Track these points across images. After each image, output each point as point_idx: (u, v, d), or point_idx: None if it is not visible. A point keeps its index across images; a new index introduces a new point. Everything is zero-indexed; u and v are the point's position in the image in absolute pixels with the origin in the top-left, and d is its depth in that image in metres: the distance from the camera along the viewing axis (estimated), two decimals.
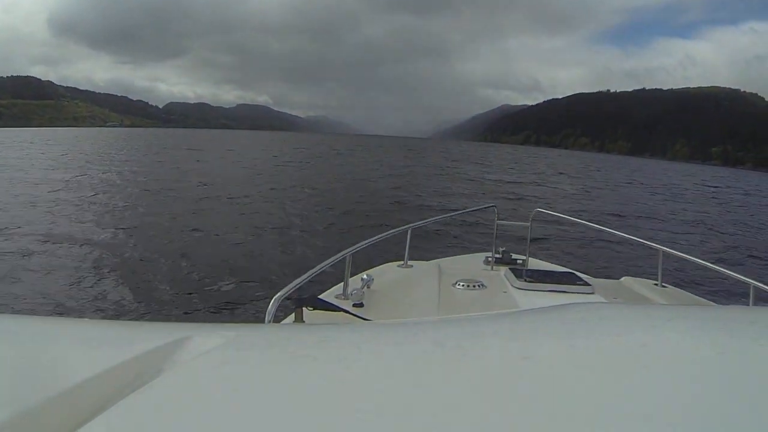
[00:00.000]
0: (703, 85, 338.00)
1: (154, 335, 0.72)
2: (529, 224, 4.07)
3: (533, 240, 4.15)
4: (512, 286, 2.95)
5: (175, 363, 0.61)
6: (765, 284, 2.76)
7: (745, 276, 2.90)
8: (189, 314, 6.57)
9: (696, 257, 3.45)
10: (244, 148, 61.96)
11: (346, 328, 0.87)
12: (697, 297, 3.60)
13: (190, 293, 7.41)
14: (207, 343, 0.66)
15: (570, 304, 0.88)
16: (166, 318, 6.29)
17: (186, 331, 0.71)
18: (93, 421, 0.49)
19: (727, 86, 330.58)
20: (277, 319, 1.88)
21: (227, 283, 7.90)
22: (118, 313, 6.56)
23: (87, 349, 0.70)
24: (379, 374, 0.58)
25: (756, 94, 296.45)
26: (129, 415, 0.50)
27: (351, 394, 0.52)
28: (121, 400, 0.51)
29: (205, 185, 20.96)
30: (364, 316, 1.91)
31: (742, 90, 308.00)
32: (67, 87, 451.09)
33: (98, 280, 7.81)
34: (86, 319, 0.86)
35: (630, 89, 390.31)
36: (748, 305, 2.75)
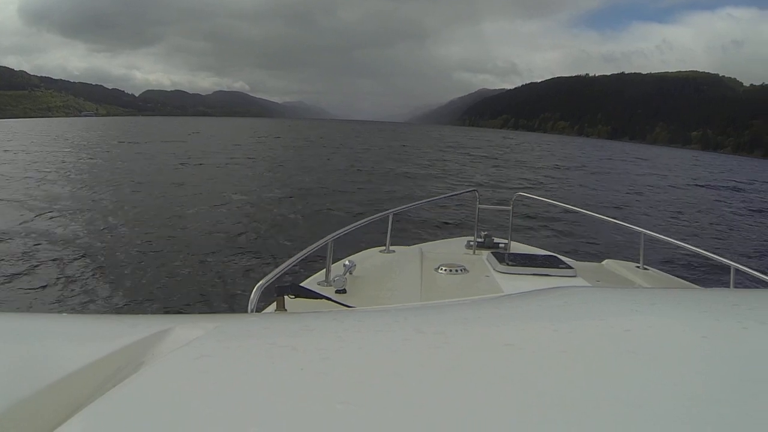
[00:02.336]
0: (681, 69, 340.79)
1: (135, 329, 0.70)
2: (510, 208, 4.04)
3: (515, 224, 4.16)
4: (495, 270, 2.94)
5: (156, 356, 0.61)
6: (745, 266, 2.80)
7: (725, 258, 2.95)
8: (171, 306, 6.51)
9: (677, 240, 3.53)
10: (222, 136, 60.80)
11: (327, 316, 0.85)
12: (679, 279, 3.62)
13: (172, 285, 7.33)
14: (188, 335, 0.65)
15: (552, 288, 0.89)
16: (148, 310, 6.33)
17: (167, 323, 0.70)
18: (74, 417, 0.48)
19: (706, 70, 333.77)
20: (260, 307, 1.90)
21: (209, 273, 7.84)
22: (97, 307, 6.46)
23: (66, 344, 0.69)
24: (359, 364, 0.58)
25: (735, 78, 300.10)
26: (110, 410, 0.49)
27: (331, 385, 0.52)
28: (102, 396, 0.51)
29: (184, 175, 20.76)
30: (346, 303, 1.90)
31: (721, 74, 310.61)
32: (42, 77, 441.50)
33: (76, 275, 7.63)
34: (65, 315, 0.85)
35: (609, 73, 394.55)
36: (728, 287, 2.83)
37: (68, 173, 20.67)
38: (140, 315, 0.86)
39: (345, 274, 2.61)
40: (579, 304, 0.80)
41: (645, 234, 3.50)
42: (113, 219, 11.76)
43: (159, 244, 9.58)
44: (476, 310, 0.82)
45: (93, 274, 7.67)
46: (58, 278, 7.41)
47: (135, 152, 32.55)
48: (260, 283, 1.88)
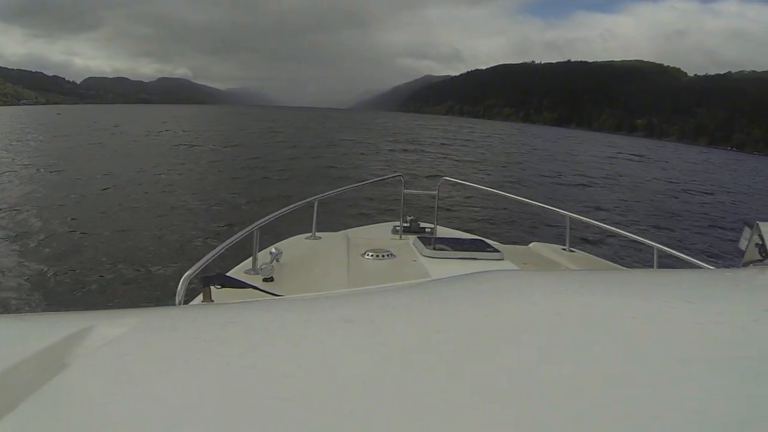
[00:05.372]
0: (626, 59, 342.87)
1: (54, 328, 0.67)
2: (436, 193, 4.12)
3: (441, 209, 4.36)
4: (421, 254, 2.96)
5: (78, 357, 0.57)
6: (667, 246, 2.92)
7: (648, 239, 3.08)
8: (96, 301, 6.32)
9: (602, 222, 3.67)
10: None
11: (253, 306, 0.83)
12: (604, 260, 3.70)
13: (95, 278, 7.14)
14: (109, 333, 0.62)
15: (480, 272, 0.87)
16: (69, 307, 5.93)
17: (88, 320, 0.67)
18: None
19: (650, 60, 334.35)
20: (188, 298, 1.89)
21: (135, 265, 7.69)
22: (11, 306, 6.18)
23: None
24: (287, 356, 0.56)
25: (679, 68, 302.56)
26: (33, 417, 0.46)
27: (259, 379, 0.51)
28: (22, 403, 0.47)
29: (109, 164, 19.54)
30: (274, 291, 1.92)
31: (665, 64, 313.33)
32: None
33: None
34: None
35: (554, 61, 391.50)
36: (652, 267, 2.90)
37: None
38: (59, 312, 0.83)
39: (272, 262, 2.61)
40: (508, 288, 0.79)
41: (570, 217, 3.57)
42: (24, 211, 11.04)
43: (79, 235, 9.16)
44: (404, 296, 0.81)
45: (3, 271, 7.21)
46: None
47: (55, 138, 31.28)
48: (187, 273, 1.85)
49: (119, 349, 0.59)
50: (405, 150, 32.51)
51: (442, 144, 41.95)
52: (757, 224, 1.16)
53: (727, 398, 0.45)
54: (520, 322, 0.63)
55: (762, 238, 1.13)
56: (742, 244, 1.22)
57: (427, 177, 19.05)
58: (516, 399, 0.45)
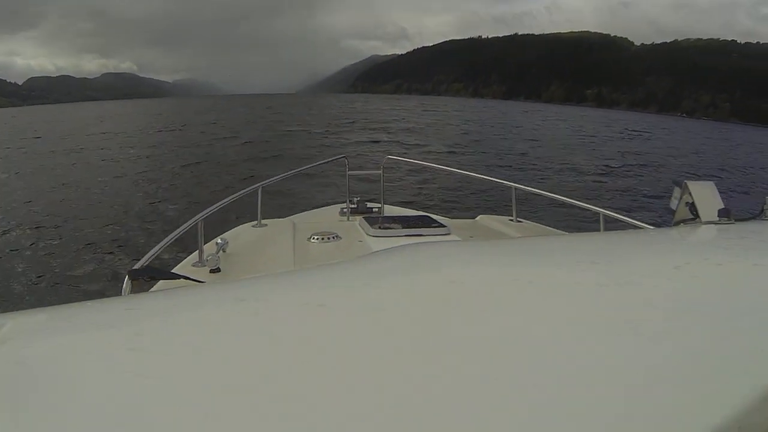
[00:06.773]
0: (573, 30, 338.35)
1: None
2: (380, 172, 4.14)
3: (390, 189, 4.34)
4: (367, 234, 2.96)
5: None
6: (613, 211, 2.96)
7: (594, 205, 3.10)
8: (28, 300, 6.29)
9: (547, 191, 3.78)
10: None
11: (164, 296, 0.80)
12: (551, 228, 3.69)
13: (29, 281, 6.96)
14: (11, 334, 0.58)
15: (393, 248, 0.85)
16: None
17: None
18: None
19: (596, 31, 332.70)
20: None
21: (79, 265, 7.51)
22: None
23: None
24: (203, 344, 0.54)
25: (626, 38, 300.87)
26: None
27: (172, 369, 0.49)
28: None
29: (53, 160, 20.44)
30: (223, 282, 1.86)
31: (612, 35, 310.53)
32: None
33: None
34: None
35: (501, 35, 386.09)
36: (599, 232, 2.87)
37: None
38: None
39: (218, 253, 2.57)
40: (416, 260, 0.78)
41: (516, 188, 3.63)
42: None
43: (24, 231, 9.28)
44: (294, 278, 0.80)
45: None
46: None
47: None
48: (132, 270, 1.80)
49: (17, 347, 0.56)
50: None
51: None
52: (686, 183, 1.18)
53: (620, 358, 0.45)
54: (409, 294, 0.63)
55: (692, 197, 1.14)
56: (673, 204, 1.23)
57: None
58: (396, 370, 0.45)
